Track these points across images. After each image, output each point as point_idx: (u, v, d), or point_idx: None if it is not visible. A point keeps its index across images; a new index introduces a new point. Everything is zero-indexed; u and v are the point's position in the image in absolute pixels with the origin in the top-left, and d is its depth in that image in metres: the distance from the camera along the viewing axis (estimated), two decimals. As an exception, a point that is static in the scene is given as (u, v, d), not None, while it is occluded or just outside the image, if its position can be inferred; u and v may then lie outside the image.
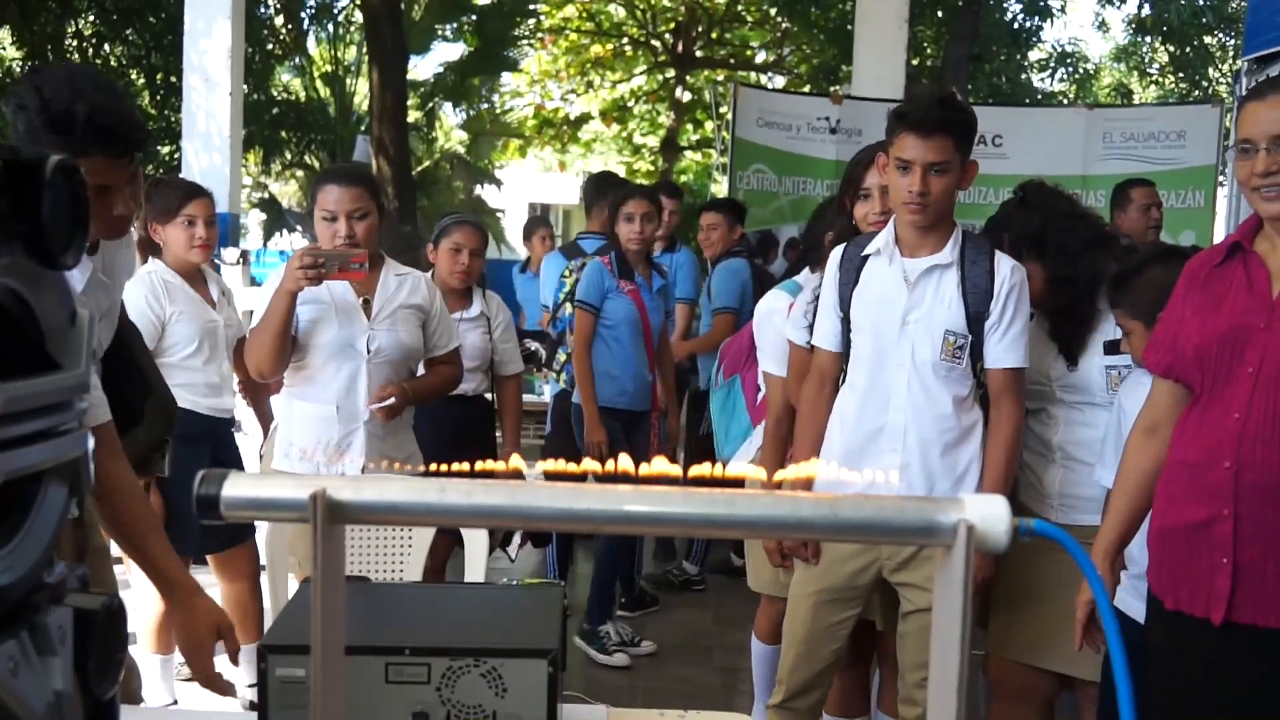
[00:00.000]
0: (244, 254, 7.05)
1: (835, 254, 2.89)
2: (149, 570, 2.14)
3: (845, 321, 2.81)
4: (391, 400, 3.28)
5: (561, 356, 5.00)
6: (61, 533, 1.04)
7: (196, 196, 3.81)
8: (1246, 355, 2.13)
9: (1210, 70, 16.66)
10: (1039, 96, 16.28)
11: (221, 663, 4.20)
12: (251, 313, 3.48)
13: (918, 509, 0.93)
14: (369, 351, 3.29)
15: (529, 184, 24.63)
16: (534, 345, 6.13)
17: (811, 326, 2.96)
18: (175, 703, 3.84)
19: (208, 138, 7.46)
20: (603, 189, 5.36)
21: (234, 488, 0.93)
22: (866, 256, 2.79)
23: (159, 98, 14.69)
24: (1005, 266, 2.72)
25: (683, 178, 20.55)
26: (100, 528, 2.88)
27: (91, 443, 1.08)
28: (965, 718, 0.90)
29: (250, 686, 3.82)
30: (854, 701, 3.30)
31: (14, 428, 0.93)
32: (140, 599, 3.78)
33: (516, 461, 1.02)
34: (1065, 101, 15.75)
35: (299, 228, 17.28)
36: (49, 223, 0.97)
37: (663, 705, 4.03)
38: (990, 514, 0.92)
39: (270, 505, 0.94)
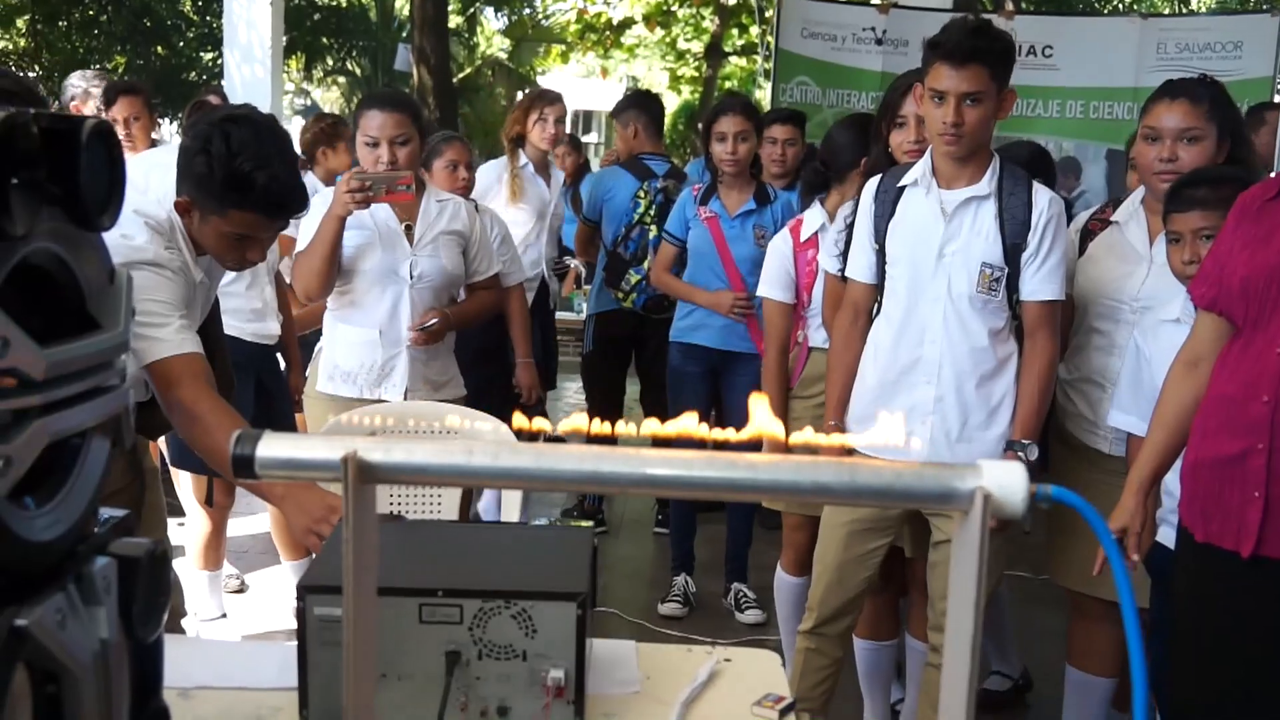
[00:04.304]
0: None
1: (870, 185, 2.86)
2: (252, 487, 2.25)
3: (880, 254, 2.79)
4: (434, 322, 3.32)
5: (633, 278, 4.91)
6: (105, 484, 1.08)
7: None
8: None
9: (1271, -24, 16.17)
10: (1092, 5, 15.87)
11: (259, 601, 4.24)
12: (295, 236, 3.50)
13: (935, 476, 0.94)
14: (412, 277, 3.32)
15: (571, 90, 24.37)
16: (572, 262, 6.13)
17: (844, 255, 2.95)
18: (224, 615, 3.96)
19: (249, 48, 7.44)
20: (644, 107, 5.28)
21: (269, 448, 0.96)
22: (903, 188, 2.77)
23: (200, 3, 14.65)
24: (1043, 198, 2.69)
25: (727, 84, 20.25)
26: (150, 449, 2.97)
27: (133, 398, 1.11)
28: (979, 675, 0.93)
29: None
30: (883, 626, 3.35)
31: (58, 390, 0.96)
32: (190, 518, 3.88)
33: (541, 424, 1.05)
34: (1119, 10, 15.35)
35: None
36: (86, 186, 0.99)
37: (691, 628, 4.11)
38: (1007, 482, 0.92)
39: (303, 465, 0.97)
